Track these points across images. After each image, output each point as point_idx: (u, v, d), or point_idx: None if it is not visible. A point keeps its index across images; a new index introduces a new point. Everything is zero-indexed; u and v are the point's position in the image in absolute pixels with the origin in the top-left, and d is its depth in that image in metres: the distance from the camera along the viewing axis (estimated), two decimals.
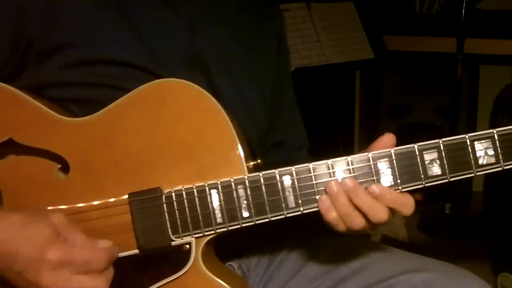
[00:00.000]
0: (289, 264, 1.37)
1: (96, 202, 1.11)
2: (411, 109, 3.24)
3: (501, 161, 1.08)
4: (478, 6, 3.03)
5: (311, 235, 1.38)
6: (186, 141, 1.10)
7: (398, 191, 1.08)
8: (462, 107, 3.09)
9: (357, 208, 1.05)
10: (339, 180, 1.07)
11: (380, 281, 1.23)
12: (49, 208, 1.11)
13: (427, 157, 1.08)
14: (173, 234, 1.09)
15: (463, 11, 2.90)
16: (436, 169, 1.08)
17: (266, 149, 1.43)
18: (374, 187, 1.06)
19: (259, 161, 1.13)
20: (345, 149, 3.28)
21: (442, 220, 3.15)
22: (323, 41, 2.81)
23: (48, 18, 1.14)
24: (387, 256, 1.30)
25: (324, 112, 3.15)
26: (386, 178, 1.08)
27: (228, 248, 1.20)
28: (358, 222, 1.06)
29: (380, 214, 1.05)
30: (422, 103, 3.22)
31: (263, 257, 1.41)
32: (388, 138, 1.10)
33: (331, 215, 1.07)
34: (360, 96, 3.62)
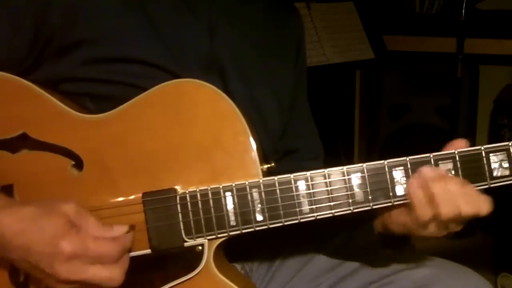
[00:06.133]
0: (291, 263, 1.38)
1: (109, 200, 1.11)
2: (411, 109, 3.23)
3: None
4: (478, 6, 3.03)
5: (312, 235, 1.38)
6: (201, 142, 1.10)
7: None
8: (462, 107, 3.09)
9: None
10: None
11: (381, 278, 1.25)
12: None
13: (442, 167, 1.09)
14: (186, 235, 1.09)
15: (463, 11, 2.90)
16: None
17: (279, 157, 1.43)
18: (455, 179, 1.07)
19: (273, 164, 1.13)
20: (345, 150, 3.28)
21: None
22: (323, 41, 2.81)
23: (71, 13, 1.15)
24: (387, 254, 1.31)
25: (324, 112, 3.14)
26: (401, 187, 1.09)
27: (230, 249, 1.20)
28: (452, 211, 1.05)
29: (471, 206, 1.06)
30: (422, 103, 3.22)
31: (265, 257, 1.42)
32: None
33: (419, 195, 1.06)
34: (360, 96, 3.61)
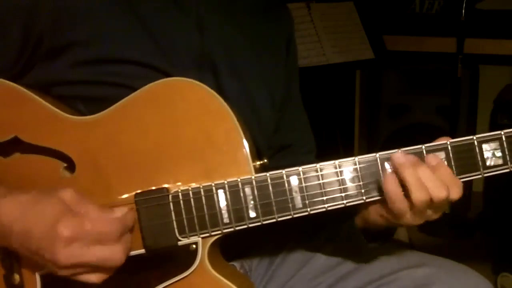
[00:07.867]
0: (290, 263, 1.37)
1: (102, 201, 1.09)
2: (411, 109, 3.23)
3: (509, 163, 1.08)
4: (478, 6, 3.03)
5: (311, 234, 1.38)
6: (193, 141, 1.10)
7: None
8: (462, 107, 3.09)
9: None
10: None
11: (381, 277, 1.25)
12: None
13: None
14: (179, 234, 1.09)
15: (463, 11, 2.90)
16: None
17: (273, 152, 1.43)
18: (431, 157, 1.06)
19: (265, 160, 1.13)
20: (345, 149, 3.28)
21: (442, 220, 3.14)
22: (323, 41, 2.81)
23: (60, 15, 1.15)
24: (387, 253, 1.31)
25: (324, 112, 3.14)
26: None
27: (229, 248, 1.20)
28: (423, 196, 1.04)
29: (441, 190, 1.04)
30: (422, 103, 3.22)
31: (264, 256, 1.41)
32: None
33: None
34: (360, 96, 3.61)
